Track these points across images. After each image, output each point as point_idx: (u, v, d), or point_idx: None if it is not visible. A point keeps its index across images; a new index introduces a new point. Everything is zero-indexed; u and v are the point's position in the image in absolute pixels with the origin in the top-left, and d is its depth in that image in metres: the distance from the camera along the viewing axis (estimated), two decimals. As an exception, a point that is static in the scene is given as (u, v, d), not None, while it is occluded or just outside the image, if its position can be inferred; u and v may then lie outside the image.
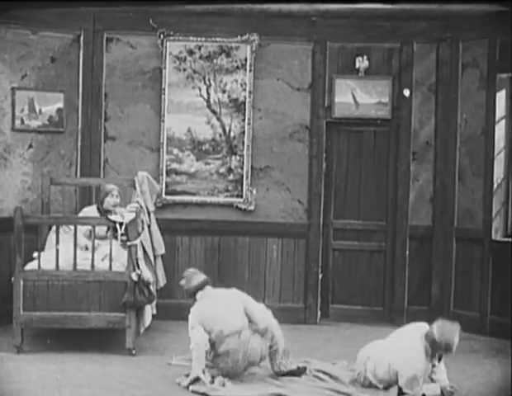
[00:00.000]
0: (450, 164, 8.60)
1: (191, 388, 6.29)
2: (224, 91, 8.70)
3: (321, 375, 6.61)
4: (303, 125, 8.78)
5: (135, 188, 8.03)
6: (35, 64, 8.43)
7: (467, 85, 8.49)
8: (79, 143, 8.70)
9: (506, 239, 8.30)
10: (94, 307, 7.15)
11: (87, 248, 7.49)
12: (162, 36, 8.62)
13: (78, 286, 7.16)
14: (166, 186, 8.73)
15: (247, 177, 8.72)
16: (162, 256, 8.20)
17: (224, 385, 6.35)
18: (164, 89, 8.68)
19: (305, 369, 6.65)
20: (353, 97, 8.69)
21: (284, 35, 8.71)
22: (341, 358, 7.10)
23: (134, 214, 7.34)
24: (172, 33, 8.64)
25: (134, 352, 7.19)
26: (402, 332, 6.36)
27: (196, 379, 6.34)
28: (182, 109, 8.72)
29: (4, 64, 8.25)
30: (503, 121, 8.39)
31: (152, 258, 7.99)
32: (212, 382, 6.36)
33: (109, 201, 7.83)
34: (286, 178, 8.79)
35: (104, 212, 7.72)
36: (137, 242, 7.30)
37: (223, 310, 6.50)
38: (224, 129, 8.73)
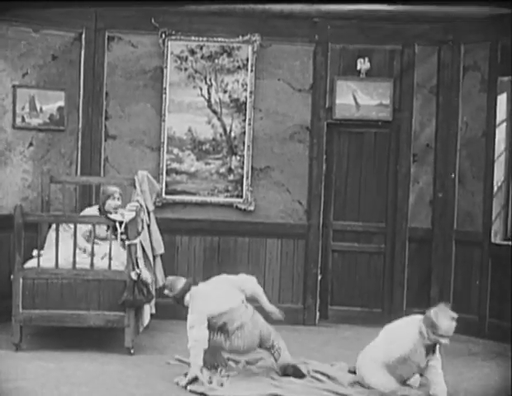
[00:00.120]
0: (450, 167, 8.60)
1: (189, 387, 6.29)
2: (225, 92, 8.71)
3: (319, 376, 6.61)
4: (304, 126, 8.79)
5: (135, 187, 8.02)
6: (36, 62, 8.43)
7: (468, 88, 8.50)
8: (80, 142, 8.70)
9: (506, 242, 8.30)
10: (93, 305, 7.15)
11: (85, 251, 7.47)
12: (163, 35, 8.62)
13: (77, 285, 7.16)
14: (166, 185, 8.73)
15: (247, 178, 8.72)
16: (161, 255, 8.19)
17: (222, 385, 6.36)
18: (165, 88, 8.68)
19: (300, 371, 6.64)
20: (354, 99, 8.70)
21: (286, 36, 8.71)
22: (339, 359, 7.09)
23: (134, 213, 7.34)
24: (173, 32, 8.64)
25: (132, 351, 7.19)
26: (398, 322, 6.36)
27: (195, 379, 6.34)
28: (182, 108, 8.72)
29: (5, 62, 8.25)
30: (504, 124, 8.40)
31: (151, 258, 7.98)
32: (210, 382, 6.36)
33: (110, 204, 7.83)
34: (287, 179, 8.79)
35: (105, 214, 7.70)
36: (137, 241, 7.30)
37: (223, 291, 6.54)
38: (224, 129, 8.74)
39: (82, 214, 8.09)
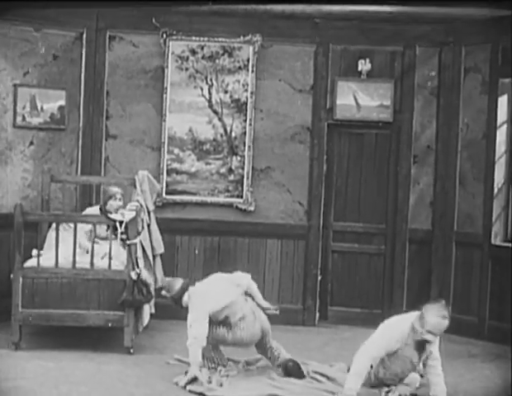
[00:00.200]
0: (451, 168, 8.60)
1: (188, 387, 6.29)
2: (226, 92, 8.71)
3: (319, 377, 6.61)
4: (304, 127, 8.79)
5: (135, 187, 8.02)
6: (37, 61, 8.43)
7: (469, 89, 8.50)
8: (80, 141, 8.70)
9: (506, 244, 8.30)
10: (93, 305, 7.15)
11: (87, 252, 7.47)
12: (164, 35, 8.62)
13: (77, 284, 7.16)
14: (166, 185, 8.73)
15: (247, 178, 8.72)
16: (161, 255, 8.19)
17: (221, 385, 6.36)
18: (166, 88, 8.68)
19: (300, 366, 6.65)
20: (355, 100, 8.70)
21: (287, 37, 8.71)
22: (339, 360, 7.09)
23: (134, 213, 7.34)
24: (174, 32, 8.64)
25: (132, 351, 7.19)
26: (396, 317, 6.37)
27: (194, 379, 6.34)
28: (183, 108, 8.72)
29: (6, 61, 8.25)
30: (504, 126, 8.40)
31: (151, 257, 7.98)
32: (210, 382, 6.36)
33: (112, 204, 7.82)
34: (287, 179, 8.79)
35: (106, 214, 7.68)
36: (137, 240, 7.31)
37: (220, 287, 6.57)
38: (225, 130, 8.74)
39: (83, 213, 8.09)
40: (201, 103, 8.72)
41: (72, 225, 7.42)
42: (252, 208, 8.73)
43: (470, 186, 8.50)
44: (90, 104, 8.69)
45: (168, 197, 8.73)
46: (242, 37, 8.65)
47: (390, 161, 8.84)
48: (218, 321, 6.47)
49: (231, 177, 8.75)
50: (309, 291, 8.79)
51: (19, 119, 8.34)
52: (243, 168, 8.73)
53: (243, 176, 8.73)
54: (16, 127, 8.34)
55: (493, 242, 8.28)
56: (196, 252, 8.76)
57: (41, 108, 8.44)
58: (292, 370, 6.61)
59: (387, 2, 7.86)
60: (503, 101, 8.33)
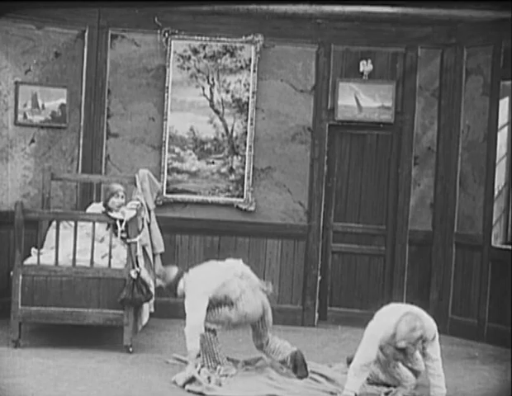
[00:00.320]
0: (452, 170, 8.60)
1: (187, 387, 6.28)
2: (227, 91, 8.71)
3: (318, 377, 6.60)
4: (305, 127, 8.79)
5: (135, 185, 8.03)
6: (39, 59, 8.43)
7: (471, 91, 8.49)
8: (81, 140, 8.70)
9: (506, 246, 8.30)
10: (92, 303, 7.15)
11: (102, 239, 7.49)
12: (166, 34, 8.62)
13: (76, 282, 7.15)
14: (167, 184, 8.73)
15: (248, 178, 8.72)
16: (161, 254, 8.19)
17: (220, 385, 6.35)
18: (168, 87, 8.68)
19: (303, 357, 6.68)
20: (356, 101, 8.69)
21: (289, 37, 8.71)
22: (338, 361, 7.09)
23: (134, 212, 7.34)
24: (176, 31, 8.64)
25: (131, 350, 7.18)
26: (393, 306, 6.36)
27: (192, 379, 6.34)
28: (184, 108, 8.72)
29: (8, 58, 8.25)
30: (505, 128, 8.40)
31: (151, 256, 7.99)
32: (209, 381, 6.35)
33: (114, 201, 7.80)
34: (288, 180, 8.79)
35: (109, 211, 7.67)
36: (137, 239, 7.30)
37: (215, 269, 6.66)
38: (226, 129, 8.74)
39: (88, 209, 8.10)
40: (202, 102, 8.72)
41: (72, 223, 7.42)
42: (252, 208, 8.73)
43: (470, 188, 8.49)
44: (91, 102, 8.69)
45: (169, 196, 8.73)
46: (244, 37, 8.65)
47: (391, 162, 8.84)
48: (218, 302, 6.49)
49: (232, 177, 8.75)
50: (308, 291, 8.79)
51: (20, 116, 8.34)
52: (243, 168, 8.73)
53: (243, 176, 8.73)
54: (18, 125, 8.34)
55: (493, 244, 8.28)
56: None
57: (42, 106, 8.44)
58: (299, 363, 6.62)
59: (389, 2, 7.87)
60: (504, 103, 8.32)
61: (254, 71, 8.68)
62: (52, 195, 8.29)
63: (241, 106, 8.71)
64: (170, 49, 8.65)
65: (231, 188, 8.75)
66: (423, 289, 8.71)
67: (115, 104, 8.76)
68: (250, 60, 8.68)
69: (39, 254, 7.22)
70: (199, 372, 6.42)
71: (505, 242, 8.41)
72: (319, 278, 8.84)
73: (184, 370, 6.48)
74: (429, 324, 6.02)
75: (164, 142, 8.72)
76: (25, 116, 8.37)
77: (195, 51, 8.69)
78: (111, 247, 7.18)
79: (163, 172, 8.72)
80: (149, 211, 8.02)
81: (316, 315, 8.85)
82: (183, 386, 6.29)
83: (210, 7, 8.42)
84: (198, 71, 8.70)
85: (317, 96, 8.75)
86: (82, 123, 8.69)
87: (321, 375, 6.63)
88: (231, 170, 8.75)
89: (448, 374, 6.34)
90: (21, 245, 7.13)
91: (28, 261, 7.28)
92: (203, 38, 8.68)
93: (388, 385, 6.43)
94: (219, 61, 8.69)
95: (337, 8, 8.37)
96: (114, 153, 8.77)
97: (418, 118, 8.72)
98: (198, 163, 8.76)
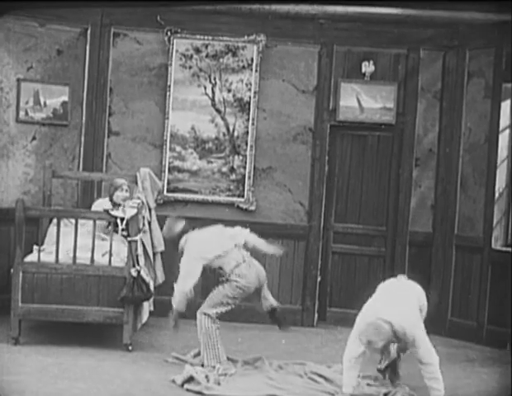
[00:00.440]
0: (452, 172, 8.60)
1: (186, 386, 6.28)
2: (229, 91, 8.71)
3: (316, 378, 6.61)
4: (307, 128, 8.79)
5: (136, 184, 8.03)
6: (41, 57, 8.44)
7: (472, 93, 8.50)
8: (83, 137, 8.71)
9: (506, 249, 8.30)
10: (92, 301, 7.15)
11: (104, 237, 7.52)
12: (169, 33, 8.63)
13: (77, 280, 7.16)
14: (168, 183, 8.73)
15: (249, 177, 8.72)
16: (161, 253, 8.19)
17: (219, 384, 6.35)
18: (169, 86, 8.68)
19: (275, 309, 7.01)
20: (358, 101, 8.70)
21: (291, 37, 8.72)
22: (337, 361, 7.04)
23: (135, 210, 7.34)
24: (179, 30, 8.64)
25: (130, 348, 7.19)
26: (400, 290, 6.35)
27: (191, 378, 6.34)
28: (186, 106, 8.73)
29: (10, 55, 8.26)
30: (507, 131, 8.40)
31: (151, 255, 7.99)
32: (207, 380, 6.36)
33: (119, 195, 7.82)
34: (288, 180, 8.80)
35: (115, 205, 7.68)
36: (138, 238, 7.31)
37: (216, 238, 6.81)
38: (228, 129, 8.74)
39: (94, 204, 8.10)
40: (204, 101, 8.73)
41: (73, 221, 7.42)
42: (253, 207, 8.73)
43: (471, 190, 8.50)
44: (93, 100, 8.69)
45: (170, 195, 8.73)
46: (246, 37, 8.65)
47: (391, 163, 8.84)
48: (212, 270, 6.70)
49: (233, 176, 8.75)
50: (308, 292, 8.80)
51: (22, 114, 8.34)
52: (244, 168, 8.74)
53: (244, 176, 8.74)
54: (19, 122, 8.34)
55: (493, 246, 8.28)
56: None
57: (44, 103, 8.45)
58: (278, 318, 7.00)
59: (391, 3, 7.86)
60: (506, 105, 8.32)
61: (256, 71, 8.68)
62: (53, 192, 8.29)
63: (243, 106, 8.71)
64: (172, 48, 8.65)
65: (232, 187, 8.76)
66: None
67: (116, 102, 8.76)
68: (252, 60, 8.68)
69: (39, 251, 7.22)
70: (197, 371, 6.42)
71: (506, 244, 8.42)
72: (318, 278, 8.85)
73: (183, 369, 6.48)
74: (402, 331, 5.89)
75: (165, 140, 8.72)
76: (26, 113, 8.37)
77: (197, 50, 8.69)
78: (111, 245, 7.18)
79: (164, 171, 8.72)
80: (150, 210, 8.03)
81: (316, 315, 8.86)
82: (182, 385, 6.30)
83: (213, 7, 8.42)
84: (200, 70, 8.70)
85: (319, 97, 8.75)
86: (83, 121, 8.69)
87: (320, 376, 6.64)
88: (232, 169, 8.75)
89: (446, 377, 6.33)
90: (21, 242, 7.13)
91: (28, 259, 7.27)
92: (205, 37, 8.68)
93: (387, 385, 6.43)
94: (221, 60, 8.70)
95: (339, 9, 8.37)
96: (115, 151, 8.78)
97: (419, 119, 8.72)
98: (199, 162, 8.76)
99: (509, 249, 8.25)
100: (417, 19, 8.34)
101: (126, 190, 7.87)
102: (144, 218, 7.68)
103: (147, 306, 7.68)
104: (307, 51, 8.75)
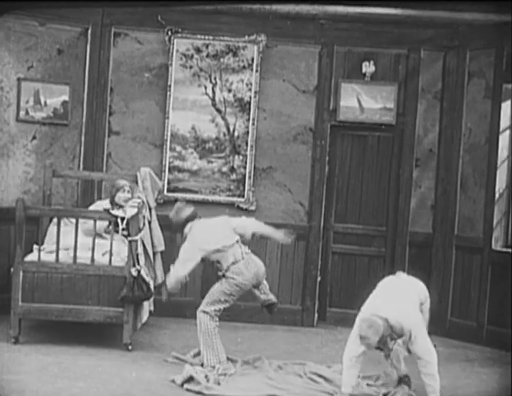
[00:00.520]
0: (453, 172, 8.60)
1: (185, 386, 6.28)
2: (229, 91, 8.71)
3: (316, 378, 6.61)
4: (307, 128, 8.79)
5: (137, 184, 8.03)
6: (41, 56, 8.44)
7: (473, 94, 8.50)
8: (83, 137, 8.71)
9: (506, 249, 8.30)
10: (93, 301, 7.15)
11: (104, 233, 7.53)
12: (169, 33, 8.63)
13: (77, 279, 7.16)
14: (168, 182, 8.74)
15: (249, 177, 8.73)
16: (161, 252, 8.19)
17: (219, 384, 6.35)
18: (170, 86, 8.68)
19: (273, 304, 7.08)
20: (358, 102, 8.70)
21: (291, 37, 8.72)
22: (337, 361, 7.05)
23: (136, 210, 7.34)
24: (179, 30, 8.64)
25: (130, 348, 7.19)
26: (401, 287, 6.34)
27: (190, 378, 6.33)
28: (186, 106, 8.73)
29: (11, 55, 8.26)
30: (507, 132, 8.40)
31: (151, 255, 7.99)
32: (207, 380, 6.36)
33: (120, 196, 7.81)
34: (289, 180, 8.80)
35: (115, 206, 7.68)
36: (138, 237, 7.31)
37: (219, 230, 6.81)
38: (228, 129, 8.74)
39: (91, 207, 8.10)
40: (204, 101, 8.73)
41: (73, 220, 7.42)
42: (253, 207, 8.74)
43: (471, 191, 8.50)
44: (93, 100, 8.69)
45: (170, 195, 8.73)
46: (247, 37, 8.66)
47: (392, 163, 8.85)
48: (210, 263, 6.79)
49: (233, 176, 8.76)
50: (308, 292, 8.80)
51: (22, 113, 8.34)
52: (245, 167, 8.74)
53: (244, 176, 8.74)
54: (19, 121, 8.34)
55: (493, 247, 8.28)
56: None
57: (45, 103, 8.45)
58: (272, 310, 7.06)
59: (391, 4, 7.87)
60: (506, 106, 8.33)
61: (257, 71, 8.68)
62: (53, 192, 8.29)
63: (243, 106, 8.72)
64: (173, 48, 8.66)
65: (232, 187, 8.76)
66: (422, 291, 8.70)
67: (117, 102, 8.76)
68: (253, 60, 8.68)
69: (39, 251, 7.22)
70: (197, 371, 6.42)
71: (506, 245, 8.42)
72: (318, 278, 8.85)
73: (183, 369, 6.48)
74: (399, 326, 5.89)
75: (166, 140, 8.72)
76: (27, 113, 8.37)
77: (198, 50, 8.70)
78: (111, 244, 7.19)
79: (165, 171, 8.72)
80: (150, 209, 8.02)
81: (316, 316, 8.86)
82: (182, 385, 6.29)
83: (214, 7, 8.42)
84: (201, 70, 8.71)
85: (319, 97, 8.75)
86: (84, 120, 8.69)
87: (320, 376, 6.64)
88: (232, 169, 8.76)
89: (446, 377, 6.35)
90: (21, 242, 7.13)
91: (29, 258, 7.27)
92: (206, 37, 8.68)
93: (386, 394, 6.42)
94: (221, 60, 8.70)
95: (340, 9, 8.37)
96: (115, 150, 8.78)
97: (419, 120, 8.72)
98: (199, 162, 8.76)
99: (509, 250, 8.25)
100: (417, 19, 8.35)
101: (128, 191, 7.87)
102: (144, 217, 7.68)
103: (147, 306, 7.67)
104: (308, 51, 8.75)
